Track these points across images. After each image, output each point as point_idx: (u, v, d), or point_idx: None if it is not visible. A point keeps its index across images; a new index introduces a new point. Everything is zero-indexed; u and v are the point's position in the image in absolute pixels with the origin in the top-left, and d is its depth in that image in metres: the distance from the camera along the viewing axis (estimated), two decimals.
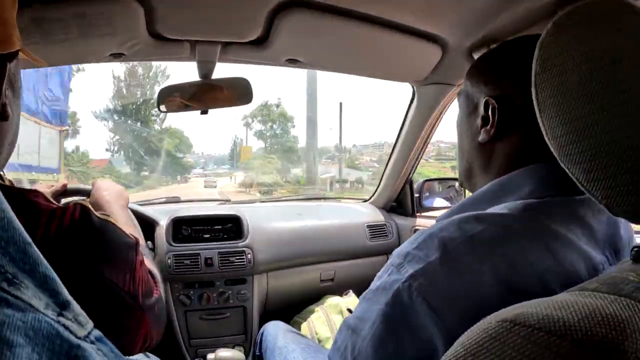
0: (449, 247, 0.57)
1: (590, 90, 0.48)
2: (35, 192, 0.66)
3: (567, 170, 0.52)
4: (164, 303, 0.85)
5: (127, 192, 1.15)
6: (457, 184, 2.19)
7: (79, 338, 0.32)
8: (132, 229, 0.95)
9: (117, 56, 1.23)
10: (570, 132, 0.50)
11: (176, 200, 2.17)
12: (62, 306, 0.33)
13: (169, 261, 1.63)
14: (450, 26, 1.15)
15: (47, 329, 0.30)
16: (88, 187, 1.22)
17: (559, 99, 0.51)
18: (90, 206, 0.71)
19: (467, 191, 2.08)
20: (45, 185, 1.23)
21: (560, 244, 0.58)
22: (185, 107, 1.43)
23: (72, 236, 0.64)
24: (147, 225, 1.70)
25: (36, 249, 0.33)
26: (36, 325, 0.29)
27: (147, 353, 1.21)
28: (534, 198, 0.63)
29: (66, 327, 0.31)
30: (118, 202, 1.05)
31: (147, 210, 1.78)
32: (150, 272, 0.81)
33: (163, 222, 1.72)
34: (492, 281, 0.54)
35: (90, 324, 0.34)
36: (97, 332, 0.35)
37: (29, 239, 0.33)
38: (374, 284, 0.65)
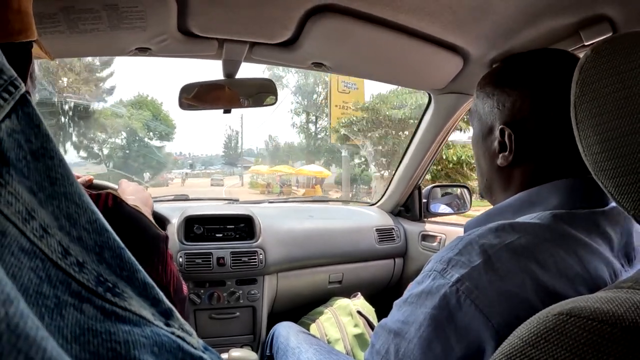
0: (490, 252, 0.60)
1: (626, 114, 0.52)
2: None
3: (600, 184, 0.56)
4: (187, 303, 0.84)
5: (151, 199, 1.13)
6: (461, 190, 2.21)
7: (196, 348, 0.30)
8: None
9: (143, 50, 1.22)
10: (606, 150, 0.54)
11: (185, 197, 2.17)
12: (166, 315, 0.30)
13: (180, 260, 1.62)
14: (473, 38, 1.17)
15: (169, 343, 0.28)
16: (114, 186, 1.21)
17: (596, 120, 0.55)
18: (121, 197, 0.71)
19: (472, 198, 2.11)
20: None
21: (586, 251, 0.63)
22: (207, 106, 1.43)
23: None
24: (159, 223, 1.68)
25: (131, 255, 0.31)
26: (158, 340, 0.27)
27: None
28: (561, 209, 0.67)
29: (182, 339, 0.30)
30: (145, 209, 1.04)
31: (158, 208, 1.77)
32: None
33: (175, 220, 1.72)
34: (531, 285, 0.57)
35: (194, 332, 0.32)
36: (201, 341, 0.33)
37: (122, 244, 0.30)
38: (414, 289, 0.66)
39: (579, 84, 0.58)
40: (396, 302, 0.70)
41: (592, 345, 0.41)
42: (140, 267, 0.31)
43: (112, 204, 0.67)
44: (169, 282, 0.71)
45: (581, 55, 0.60)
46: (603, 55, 0.56)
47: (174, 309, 0.32)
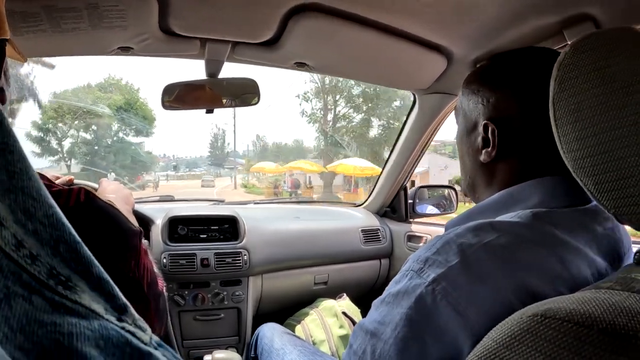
0: (468, 252, 0.59)
1: (604, 110, 0.52)
2: (39, 174, 0.65)
3: (579, 182, 0.56)
4: (166, 299, 0.84)
5: (133, 197, 1.13)
6: (447, 191, 2.22)
7: (146, 344, 0.30)
8: None
9: (125, 50, 1.22)
10: (584, 147, 0.54)
11: (170, 198, 2.16)
12: (120, 310, 0.30)
13: (164, 260, 1.61)
14: (457, 38, 1.18)
15: (116, 337, 0.28)
16: (95, 185, 1.20)
17: (575, 117, 0.55)
18: (95, 192, 0.70)
19: (458, 198, 2.12)
20: (51, 174, 1.20)
21: (568, 251, 0.62)
22: (190, 106, 1.42)
23: (77, 216, 0.63)
24: (143, 223, 1.67)
25: (87, 249, 0.30)
26: (105, 334, 0.27)
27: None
28: (542, 208, 0.67)
29: (132, 334, 0.29)
30: (124, 206, 1.03)
31: (142, 208, 1.76)
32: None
33: (159, 221, 1.70)
34: (509, 285, 0.57)
35: (149, 329, 0.32)
36: (155, 337, 0.32)
37: (79, 238, 0.30)
38: (392, 288, 0.66)
39: (558, 80, 0.58)
40: (374, 302, 0.69)
41: (568, 347, 0.41)
42: (97, 262, 0.31)
43: (85, 199, 0.67)
44: (142, 276, 0.70)
45: None
46: (582, 51, 0.56)
47: (128, 304, 0.32)
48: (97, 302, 0.28)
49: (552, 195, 0.68)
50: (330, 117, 25.93)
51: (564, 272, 0.59)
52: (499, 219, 0.67)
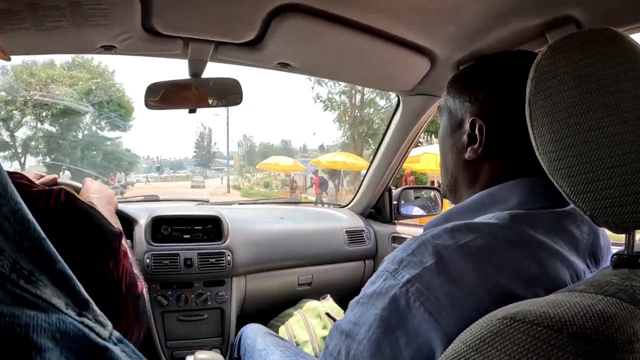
0: (443, 254, 0.59)
1: (581, 112, 0.52)
2: (19, 175, 0.65)
3: (555, 183, 0.56)
4: (146, 301, 0.83)
5: (116, 198, 1.13)
6: (433, 192, 2.23)
7: (104, 339, 0.31)
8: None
9: (108, 49, 1.21)
10: (560, 148, 0.54)
11: (155, 198, 2.15)
12: (81, 306, 0.31)
13: (147, 261, 1.60)
14: (440, 40, 1.19)
15: (73, 331, 0.28)
16: (78, 184, 1.20)
17: (551, 118, 0.55)
18: (75, 193, 0.70)
19: (443, 200, 2.14)
20: (34, 173, 1.20)
21: (545, 252, 0.61)
22: (173, 105, 1.42)
23: (57, 217, 0.64)
24: (126, 223, 1.67)
25: (51, 245, 0.31)
26: (62, 327, 0.27)
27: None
28: (521, 209, 0.66)
29: (91, 328, 0.30)
30: (106, 206, 1.03)
31: (126, 208, 1.75)
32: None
33: (142, 221, 1.69)
34: (485, 286, 0.57)
35: (110, 324, 0.33)
36: (116, 333, 0.33)
37: (44, 234, 0.31)
38: (367, 289, 0.65)
39: (534, 81, 0.58)
40: (351, 302, 0.69)
41: (536, 351, 0.40)
42: (60, 258, 0.31)
43: (65, 199, 0.67)
44: (121, 278, 0.70)
45: None
46: (559, 52, 0.56)
47: (90, 300, 0.32)
48: (58, 297, 0.29)
49: (530, 196, 0.68)
50: (357, 99, 22.11)
51: (541, 274, 0.59)
52: (476, 220, 0.67)
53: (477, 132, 0.74)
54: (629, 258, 0.55)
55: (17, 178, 0.64)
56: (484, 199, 0.72)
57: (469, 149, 0.76)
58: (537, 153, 0.58)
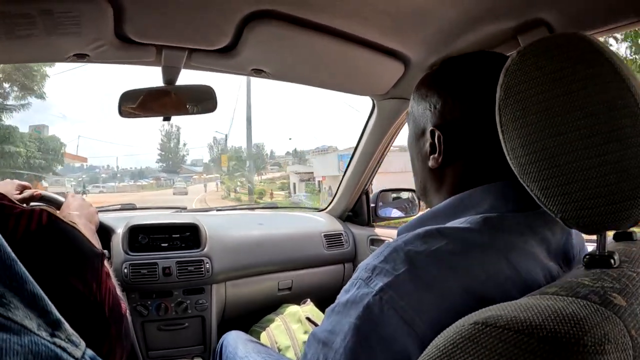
0: (415, 260, 0.59)
1: (549, 116, 0.53)
2: (0, 195, 0.64)
3: (526, 187, 0.57)
4: (129, 322, 0.83)
5: (97, 215, 1.12)
6: (410, 194, 2.25)
7: (77, 359, 0.31)
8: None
9: (80, 57, 1.21)
10: (530, 153, 0.55)
11: (132, 207, 2.13)
12: (53, 326, 0.31)
13: (125, 270, 1.58)
14: (413, 44, 1.20)
15: (46, 352, 0.28)
16: (61, 199, 1.19)
17: (520, 123, 0.56)
18: (57, 212, 0.70)
19: (420, 201, 2.16)
20: (17, 184, 1.18)
21: (518, 254, 0.62)
22: (148, 113, 1.41)
23: (39, 240, 0.63)
24: (103, 233, 1.64)
25: (22, 267, 0.31)
26: (34, 349, 0.28)
27: None
28: (493, 212, 0.67)
29: (63, 349, 0.30)
30: (87, 225, 1.01)
31: (103, 218, 1.72)
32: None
33: (119, 230, 1.68)
34: (458, 291, 0.57)
35: (83, 343, 0.33)
36: (90, 352, 0.34)
37: (14, 256, 0.31)
38: (342, 297, 0.65)
39: (504, 87, 0.59)
40: (327, 310, 0.69)
41: (508, 356, 0.41)
42: (31, 279, 0.31)
43: (47, 221, 0.66)
44: (104, 299, 0.69)
45: None
46: (528, 57, 0.57)
47: (62, 320, 0.33)
48: (30, 319, 0.29)
49: (502, 200, 0.69)
50: None
51: (514, 276, 0.60)
52: (448, 224, 0.67)
53: (436, 141, 0.76)
54: (600, 258, 0.56)
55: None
56: (456, 203, 0.73)
57: (431, 157, 0.77)
58: (507, 157, 0.59)
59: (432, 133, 0.76)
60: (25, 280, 0.31)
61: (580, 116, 0.51)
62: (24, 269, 0.31)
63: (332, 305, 0.68)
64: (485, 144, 0.71)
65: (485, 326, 0.43)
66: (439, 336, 0.48)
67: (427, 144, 0.78)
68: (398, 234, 0.75)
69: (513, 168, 0.58)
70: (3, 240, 0.30)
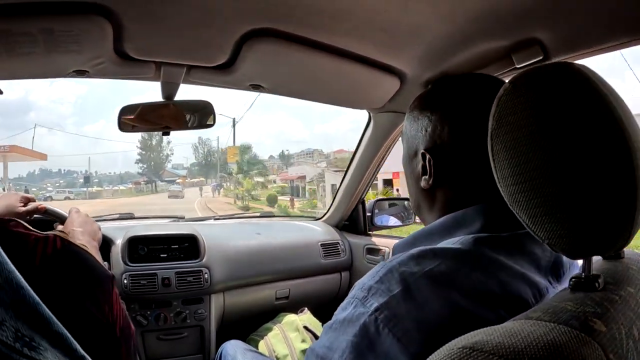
0: (409, 281, 0.62)
1: (538, 147, 0.54)
2: (14, 222, 0.66)
3: (515, 213, 0.59)
4: (136, 340, 0.85)
5: (100, 232, 1.13)
6: (406, 202, 2.27)
7: None
8: None
9: (80, 73, 1.22)
10: (519, 182, 0.56)
11: (130, 216, 2.14)
12: None
13: (125, 281, 1.60)
14: (409, 60, 1.22)
15: None
16: (65, 214, 1.20)
17: (510, 153, 0.57)
18: (68, 237, 0.72)
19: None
20: (19, 196, 1.20)
21: (507, 274, 0.65)
22: (147, 127, 1.43)
23: (56, 264, 0.66)
24: (103, 244, 1.64)
25: (46, 308, 0.32)
26: None
27: None
28: (484, 233, 0.70)
29: None
30: (91, 243, 1.03)
31: (102, 228, 1.74)
32: None
33: (119, 241, 1.69)
34: (450, 311, 0.60)
35: None
36: None
37: (38, 298, 0.32)
38: (339, 315, 0.68)
39: (496, 116, 0.59)
40: (324, 326, 0.72)
41: None
42: (55, 320, 0.33)
43: (61, 245, 0.68)
44: (116, 321, 0.72)
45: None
46: (519, 88, 0.58)
47: (86, 356, 0.35)
48: (58, 358, 0.31)
49: (493, 220, 0.71)
50: None
51: (503, 295, 0.62)
52: (441, 244, 0.70)
53: (427, 164, 0.79)
54: (586, 281, 0.57)
55: (13, 226, 0.65)
56: (450, 222, 0.75)
57: (422, 178, 0.81)
58: (498, 184, 0.60)
59: (424, 156, 0.79)
60: (50, 321, 0.32)
61: (568, 149, 0.52)
62: (47, 311, 0.32)
63: (329, 322, 0.70)
64: (474, 168, 0.74)
65: (472, 350, 0.45)
66: (429, 358, 0.49)
67: (419, 166, 0.81)
68: (394, 251, 0.78)
69: (503, 195, 0.60)
70: (26, 284, 0.32)
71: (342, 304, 0.70)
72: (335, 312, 0.70)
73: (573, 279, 0.58)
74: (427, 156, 0.78)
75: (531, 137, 0.55)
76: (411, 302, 0.60)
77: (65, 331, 0.33)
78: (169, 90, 1.35)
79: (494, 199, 0.70)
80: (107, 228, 1.79)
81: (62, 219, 1.18)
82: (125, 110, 1.41)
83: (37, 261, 0.63)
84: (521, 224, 0.63)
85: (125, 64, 1.20)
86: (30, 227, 0.68)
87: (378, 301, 0.62)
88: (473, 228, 0.71)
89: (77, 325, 0.65)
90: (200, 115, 1.44)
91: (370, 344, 0.61)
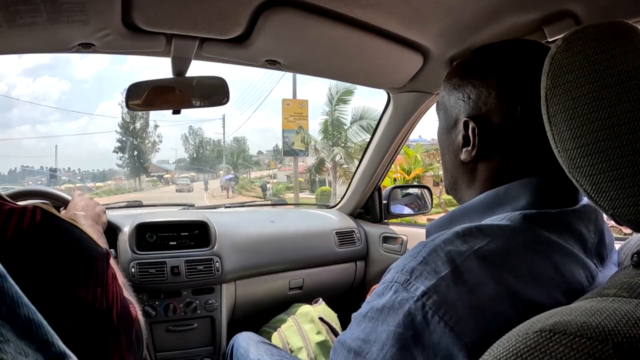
0: (458, 261, 0.55)
1: (601, 107, 0.50)
2: None
3: (575, 182, 0.54)
4: (142, 328, 0.76)
5: (105, 215, 1.07)
6: (422, 190, 2.21)
7: None
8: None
9: (86, 46, 1.15)
10: (580, 145, 0.52)
11: (138, 204, 2.09)
12: None
13: (132, 270, 1.54)
14: (433, 35, 1.16)
15: None
16: (67, 197, 1.14)
17: (570, 114, 0.53)
18: (53, 210, 0.62)
19: (432, 198, 2.12)
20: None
21: (560, 254, 0.59)
22: (156, 106, 1.37)
23: (33, 240, 0.56)
24: (109, 231, 1.60)
25: (13, 283, 0.25)
26: None
27: None
28: (530, 209, 0.63)
29: None
30: (92, 225, 0.95)
31: (108, 215, 1.68)
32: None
33: (126, 229, 1.63)
34: (505, 295, 0.53)
35: None
36: None
37: (4, 270, 0.25)
38: (375, 301, 0.60)
39: (550, 75, 0.55)
40: (355, 316, 0.64)
41: None
42: (26, 301, 0.25)
43: (41, 219, 0.59)
44: (111, 306, 0.62)
45: None
46: (575, 44, 0.54)
47: (68, 353, 0.27)
48: (25, 355, 0.23)
49: (540, 196, 0.65)
50: None
51: (558, 277, 0.57)
52: (486, 222, 0.63)
53: (470, 133, 0.72)
54: None
55: None
56: (491, 199, 0.69)
57: (463, 150, 0.74)
58: (555, 151, 0.55)
59: (466, 124, 0.72)
60: (18, 302, 0.25)
61: (631, 107, 0.48)
62: (16, 287, 0.25)
63: (361, 311, 0.63)
64: (523, 137, 0.68)
65: (554, 333, 0.40)
66: (496, 345, 0.44)
67: (460, 136, 0.74)
68: (427, 233, 0.72)
69: (561, 162, 0.55)
70: None
71: (377, 289, 0.62)
72: (368, 299, 0.63)
73: (635, 256, 0.54)
74: (471, 124, 0.71)
75: (593, 95, 0.51)
76: (462, 284, 0.54)
77: (40, 317, 0.26)
78: (179, 66, 1.28)
79: (542, 172, 0.65)
80: (115, 215, 1.74)
81: (65, 202, 1.11)
82: (132, 90, 1.34)
83: (9, 235, 0.54)
84: (568, 201, 0.61)
85: (134, 36, 1.13)
86: (7, 198, 0.59)
87: (424, 285, 0.55)
88: (518, 204, 0.65)
89: (62, 312, 0.55)
90: (212, 93, 1.36)
91: (416, 335, 0.53)
